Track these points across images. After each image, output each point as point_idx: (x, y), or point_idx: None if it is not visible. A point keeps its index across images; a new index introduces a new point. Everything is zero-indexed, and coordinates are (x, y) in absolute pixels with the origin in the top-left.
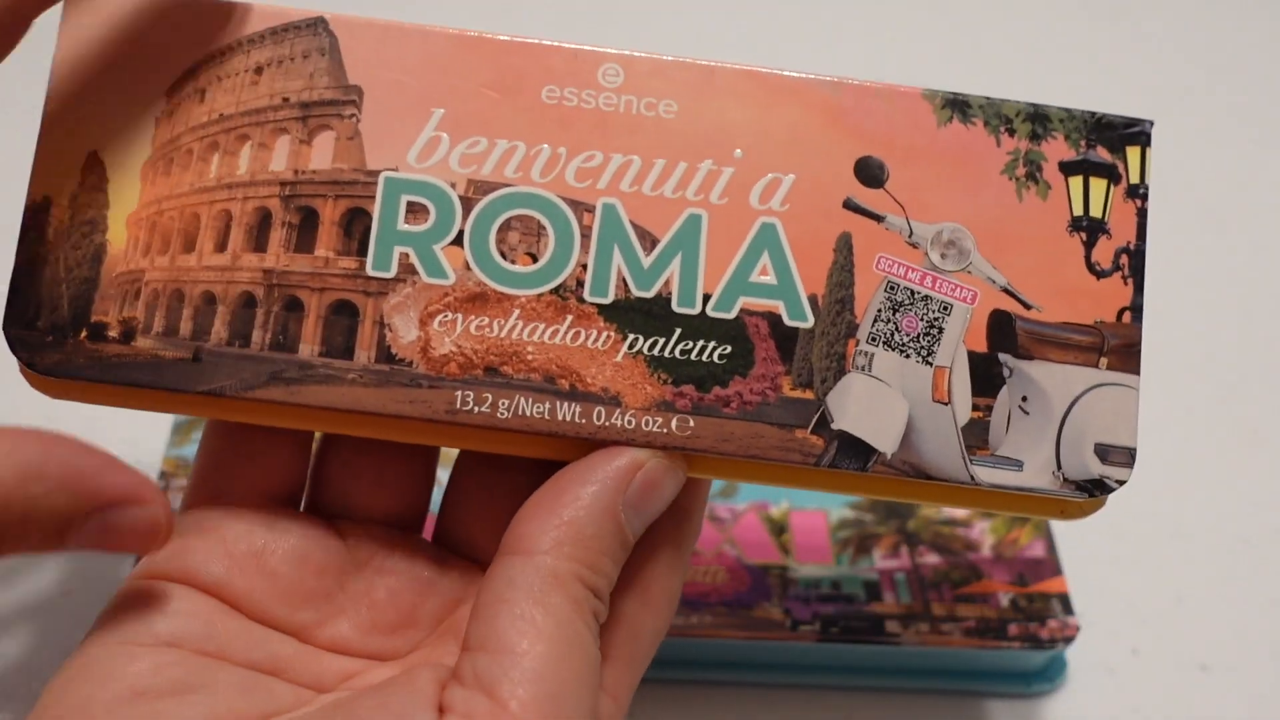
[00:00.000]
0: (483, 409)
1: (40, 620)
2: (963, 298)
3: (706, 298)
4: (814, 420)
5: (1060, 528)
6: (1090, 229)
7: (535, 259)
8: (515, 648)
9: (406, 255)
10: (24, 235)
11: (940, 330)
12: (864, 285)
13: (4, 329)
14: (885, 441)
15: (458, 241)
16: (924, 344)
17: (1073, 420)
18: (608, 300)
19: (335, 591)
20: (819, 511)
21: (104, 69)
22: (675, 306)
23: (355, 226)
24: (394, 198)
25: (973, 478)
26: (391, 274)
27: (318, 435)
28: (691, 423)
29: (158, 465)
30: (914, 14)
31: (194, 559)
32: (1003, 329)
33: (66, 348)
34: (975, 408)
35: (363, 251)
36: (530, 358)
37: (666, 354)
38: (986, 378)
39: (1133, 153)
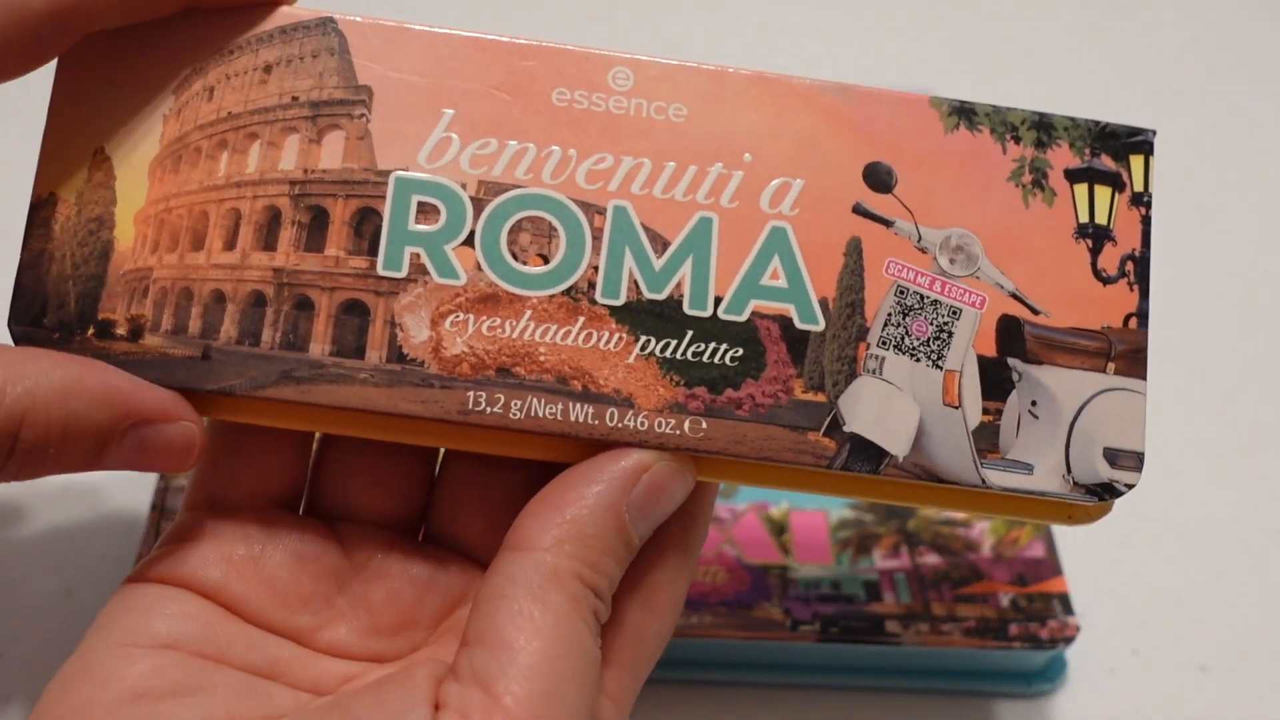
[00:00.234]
0: (495, 409)
1: (40, 620)
2: (972, 303)
3: (718, 300)
4: (826, 423)
5: (1060, 528)
6: (1096, 236)
7: (547, 260)
8: (512, 644)
9: (418, 255)
10: (29, 232)
11: (950, 334)
12: (874, 289)
13: (10, 325)
14: (897, 444)
15: (469, 242)
16: (934, 348)
17: (1081, 424)
18: (619, 302)
19: (333, 595)
20: (819, 511)
21: (110, 65)
22: (687, 309)
23: (366, 226)
24: (405, 198)
25: (984, 481)
26: (403, 274)
27: (317, 437)
28: (704, 424)
29: None
30: (916, 16)
31: (192, 563)
32: (1011, 334)
33: (74, 345)
34: (985, 411)
35: (373, 251)
36: (543, 358)
37: (679, 356)
38: (996, 382)
39: (1136, 161)
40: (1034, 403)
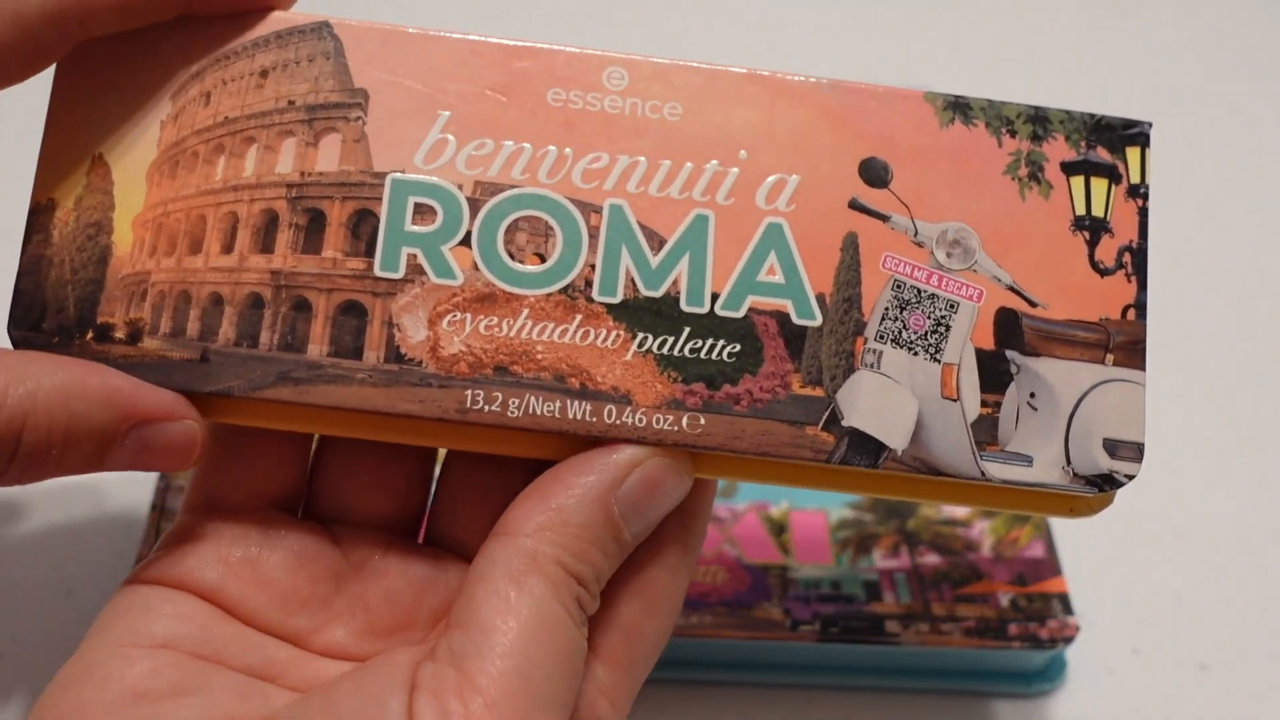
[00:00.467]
0: (493, 408)
1: (40, 620)
2: (969, 296)
3: (715, 297)
4: (824, 417)
5: (1060, 527)
6: (1093, 228)
7: (543, 259)
8: (488, 625)
9: (414, 256)
10: (28, 237)
11: (947, 328)
12: (871, 284)
13: (10, 330)
14: (895, 438)
15: (465, 242)
16: (932, 341)
17: (1081, 416)
18: (616, 300)
19: (331, 597)
20: (819, 511)
21: (108, 71)
22: (684, 305)
23: (363, 228)
24: (401, 199)
25: (983, 473)
26: (400, 275)
27: (315, 439)
28: (702, 420)
29: None
30: (914, 14)
31: (190, 564)
32: (1009, 326)
33: (73, 349)
34: (984, 404)
35: (370, 252)
36: (540, 357)
37: (676, 352)
38: (994, 374)
39: (1132, 153)
40: (1032, 394)
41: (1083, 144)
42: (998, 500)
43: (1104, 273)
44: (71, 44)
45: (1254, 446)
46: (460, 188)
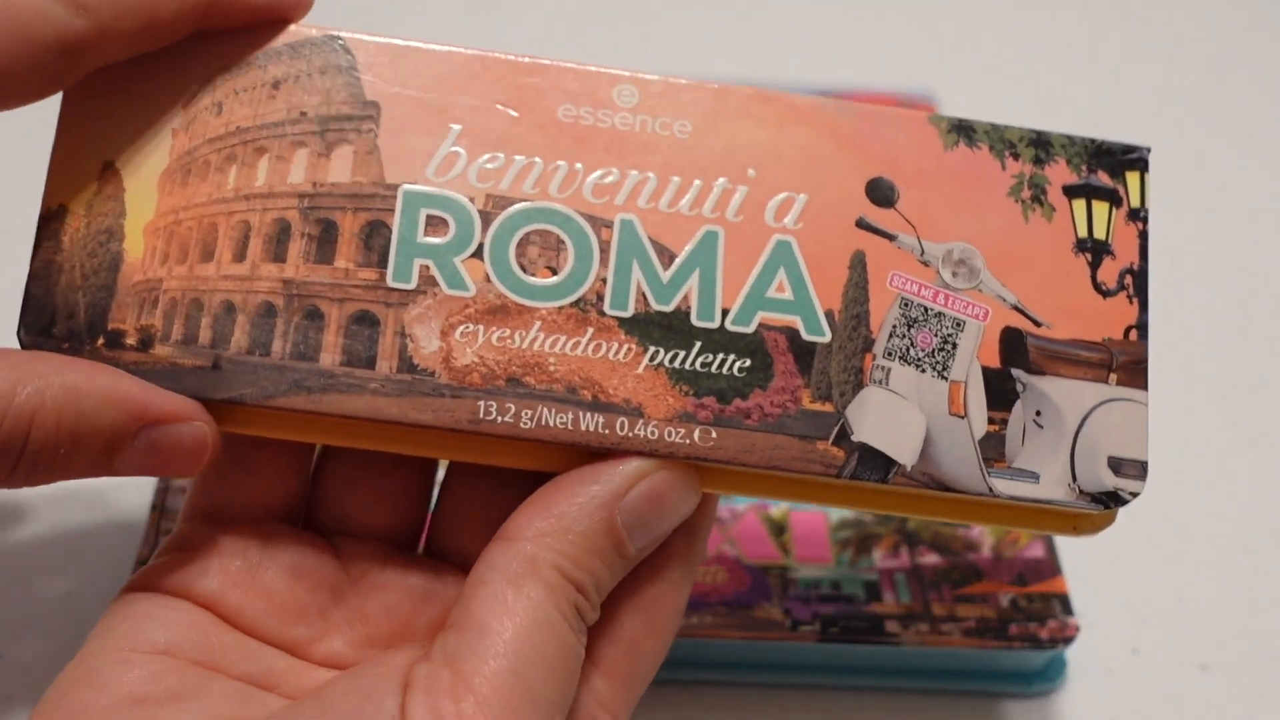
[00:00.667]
0: (506, 419)
1: (40, 620)
2: (975, 314)
3: (725, 312)
4: (834, 432)
5: None
6: (1095, 250)
7: (555, 272)
8: (484, 626)
9: (427, 267)
10: (39, 243)
11: (954, 346)
12: (879, 301)
13: (20, 335)
14: (904, 453)
15: (478, 254)
16: (939, 359)
17: (1086, 434)
18: (628, 313)
19: (329, 607)
20: (819, 511)
21: (120, 78)
22: (695, 320)
23: (375, 239)
24: (414, 210)
25: (991, 489)
26: (412, 285)
27: (317, 450)
28: (714, 434)
29: None
30: (917, 18)
31: (189, 573)
32: (1015, 345)
33: (83, 354)
34: (991, 421)
35: (383, 263)
36: (552, 369)
37: (687, 366)
38: (1001, 392)
39: (1132, 177)
40: (1038, 413)
41: (1084, 168)
42: (1003, 517)
43: (1106, 294)
44: (82, 73)
45: (1254, 447)
46: (472, 200)
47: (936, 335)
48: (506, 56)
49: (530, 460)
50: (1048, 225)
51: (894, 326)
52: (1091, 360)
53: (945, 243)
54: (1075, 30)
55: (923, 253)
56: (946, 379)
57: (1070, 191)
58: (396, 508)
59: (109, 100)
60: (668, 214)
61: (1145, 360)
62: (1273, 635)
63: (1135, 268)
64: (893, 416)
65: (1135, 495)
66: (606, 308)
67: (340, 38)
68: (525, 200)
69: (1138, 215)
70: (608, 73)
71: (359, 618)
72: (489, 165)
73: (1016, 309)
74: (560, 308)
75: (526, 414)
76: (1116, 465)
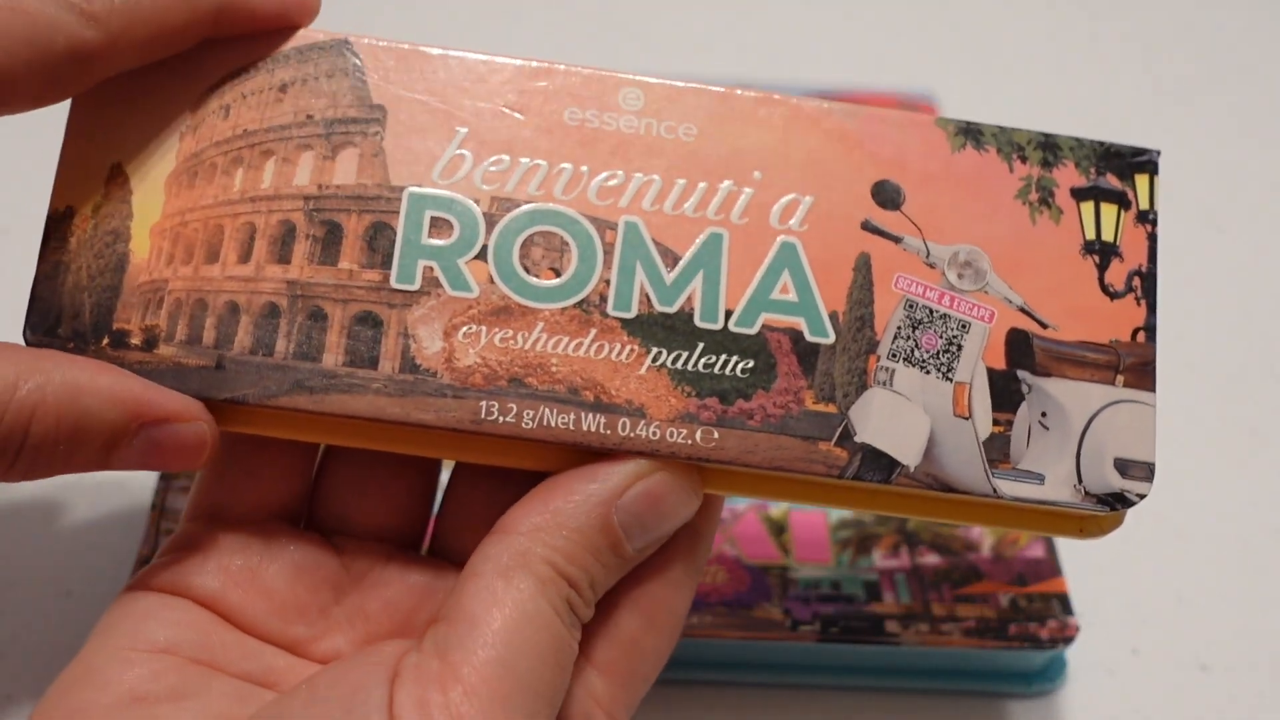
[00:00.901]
0: (508, 419)
1: (40, 620)
2: (980, 316)
3: (729, 314)
4: (837, 433)
5: None
6: (1102, 252)
7: (558, 274)
8: (473, 617)
9: (431, 269)
10: (46, 243)
11: (959, 347)
12: (883, 303)
13: (26, 335)
14: (908, 454)
15: (481, 256)
16: (944, 360)
17: (1092, 435)
18: (631, 315)
19: (330, 606)
20: (819, 511)
21: (128, 82)
22: (698, 321)
23: (379, 240)
24: (418, 212)
25: (995, 490)
26: (416, 287)
27: (320, 449)
28: (716, 434)
29: None
30: (919, 16)
31: (191, 572)
32: (1020, 347)
33: (88, 354)
34: (996, 422)
35: (387, 265)
36: (555, 369)
37: (690, 367)
38: (1006, 393)
39: (1141, 180)
40: (1044, 414)
41: (1092, 170)
42: (1008, 519)
43: (1114, 296)
44: (92, 82)
45: (1254, 447)
46: (477, 202)
47: (941, 337)
48: (512, 61)
49: (532, 460)
50: (1055, 228)
51: (899, 328)
52: (1098, 362)
53: (951, 245)
54: (1076, 30)
55: (928, 255)
56: (951, 380)
57: (1078, 194)
58: (399, 508)
59: (117, 104)
60: (672, 216)
61: (1153, 362)
62: (1273, 635)
63: (1144, 270)
64: (897, 417)
65: (1142, 497)
66: (609, 309)
67: (348, 42)
68: (530, 202)
69: (1146, 217)
70: (613, 76)
71: (360, 616)
72: (494, 168)
73: (1023, 310)
74: (563, 309)
75: (528, 414)
76: (1123, 467)
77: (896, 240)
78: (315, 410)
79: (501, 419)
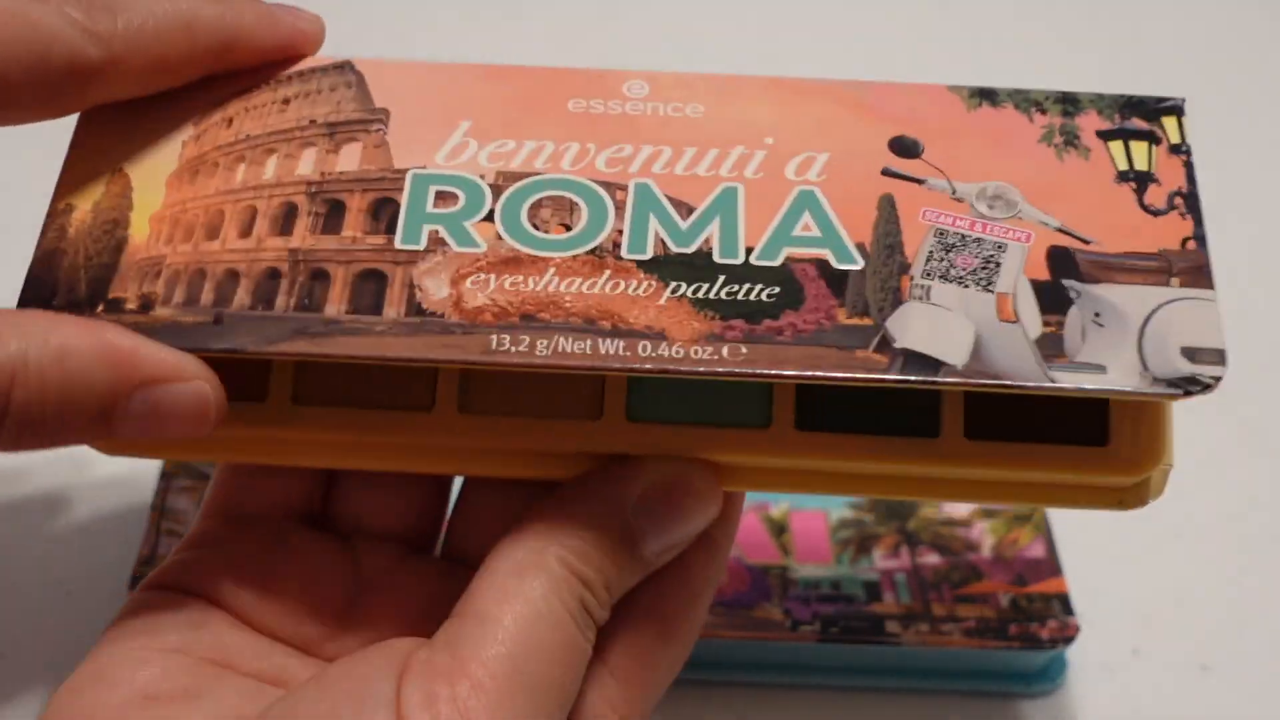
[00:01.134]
0: (519, 349)
1: (40, 620)
2: (1017, 238)
3: (749, 250)
4: (875, 340)
5: (1060, 527)
6: (1139, 179)
7: (569, 229)
8: (484, 614)
9: (436, 231)
10: (44, 234)
11: (998, 264)
12: (911, 234)
13: (19, 307)
14: (954, 355)
15: (489, 218)
16: (982, 275)
17: (1153, 328)
18: (646, 256)
19: (343, 607)
20: (819, 512)
21: (134, 103)
22: (717, 258)
23: (383, 212)
24: (422, 189)
25: (1052, 380)
26: (421, 246)
27: None
28: (744, 349)
29: (159, 464)
30: (913, 15)
31: (203, 572)
32: (1063, 261)
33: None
34: (1046, 324)
35: (391, 230)
36: (569, 304)
37: (712, 296)
38: (1054, 298)
39: (1169, 121)
40: (1097, 314)
41: (1116, 116)
42: (1053, 496)
43: (1155, 214)
44: (90, 103)
45: (1254, 447)
46: (482, 177)
47: (977, 257)
48: (514, 65)
49: (543, 469)
50: (1085, 163)
51: (930, 252)
52: (1149, 268)
53: (978, 182)
54: (1074, 29)
55: (954, 191)
56: (993, 291)
57: (1105, 135)
58: (413, 510)
59: (122, 121)
60: (684, 176)
61: (1208, 265)
62: (1273, 635)
63: (1184, 190)
64: (937, 324)
65: (1217, 380)
66: (624, 253)
67: (350, 63)
68: (537, 174)
69: (1179, 149)
70: (616, 72)
71: (373, 617)
72: (499, 149)
73: (1061, 230)
74: (575, 255)
75: (542, 343)
76: (1191, 354)
77: (920, 182)
78: (316, 354)
79: (513, 349)
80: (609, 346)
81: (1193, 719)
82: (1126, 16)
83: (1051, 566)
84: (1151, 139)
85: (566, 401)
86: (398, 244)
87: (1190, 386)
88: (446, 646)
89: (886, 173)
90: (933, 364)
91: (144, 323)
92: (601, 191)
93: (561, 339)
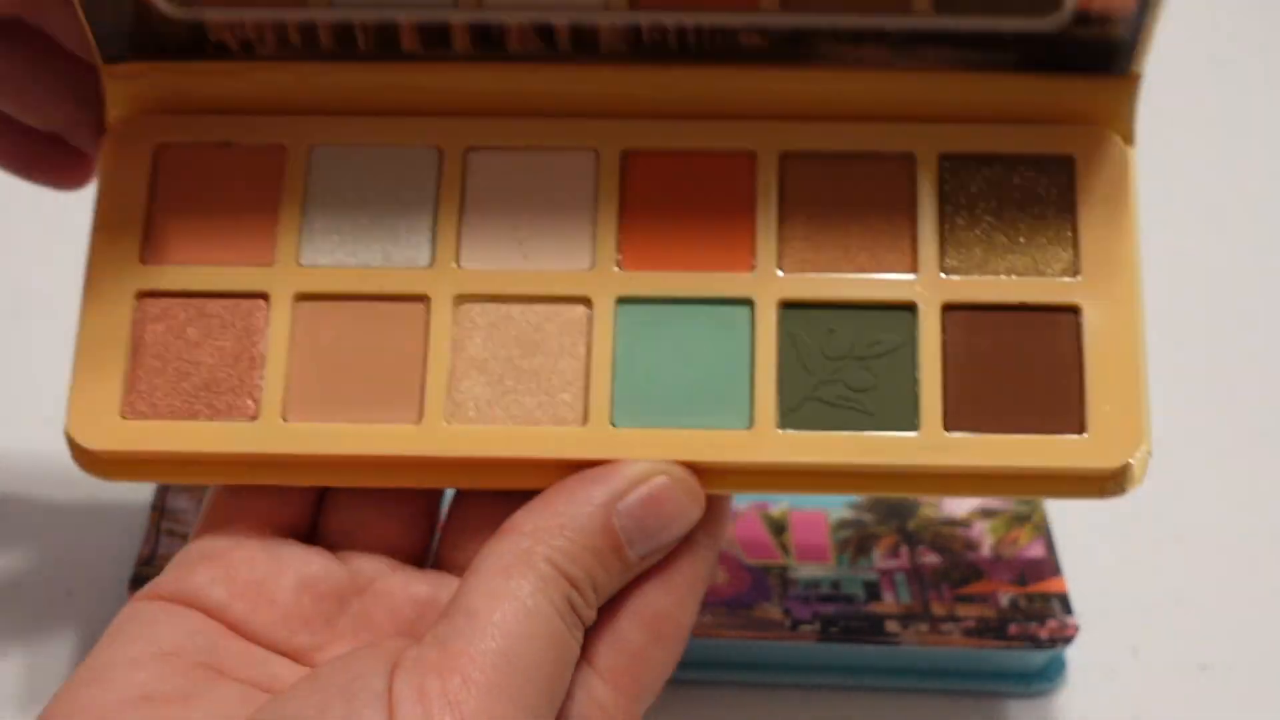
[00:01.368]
0: None
1: (40, 620)
2: None
3: None
4: None
5: (1060, 527)
6: None
7: None
8: (473, 611)
9: None
10: None
11: None
12: None
13: None
14: None
15: None
16: None
17: None
18: None
19: (335, 617)
20: (819, 511)
21: None
22: None
23: None
24: None
25: None
26: None
27: None
28: None
29: None
30: None
31: (196, 583)
32: None
33: None
34: None
35: None
36: None
37: None
38: None
39: None
40: None
41: None
42: (1031, 486)
43: None
44: None
45: (1254, 447)
46: None
47: None
48: None
49: (532, 479)
50: None
51: None
52: None
53: None
54: None
55: None
56: None
57: None
58: (404, 523)
59: None
60: None
61: None
62: (1273, 635)
63: None
64: None
65: None
66: None
67: None
68: None
69: None
70: None
71: (365, 627)
72: None
73: None
74: None
75: None
76: None
77: None
78: None
79: None
80: None
81: (1193, 719)
82: None
83: (1051, 566)
84: None
85: (553, 408)
86: None
87: None
88: (437, 643)
89: None
90: None
91: None
92: None
93: None
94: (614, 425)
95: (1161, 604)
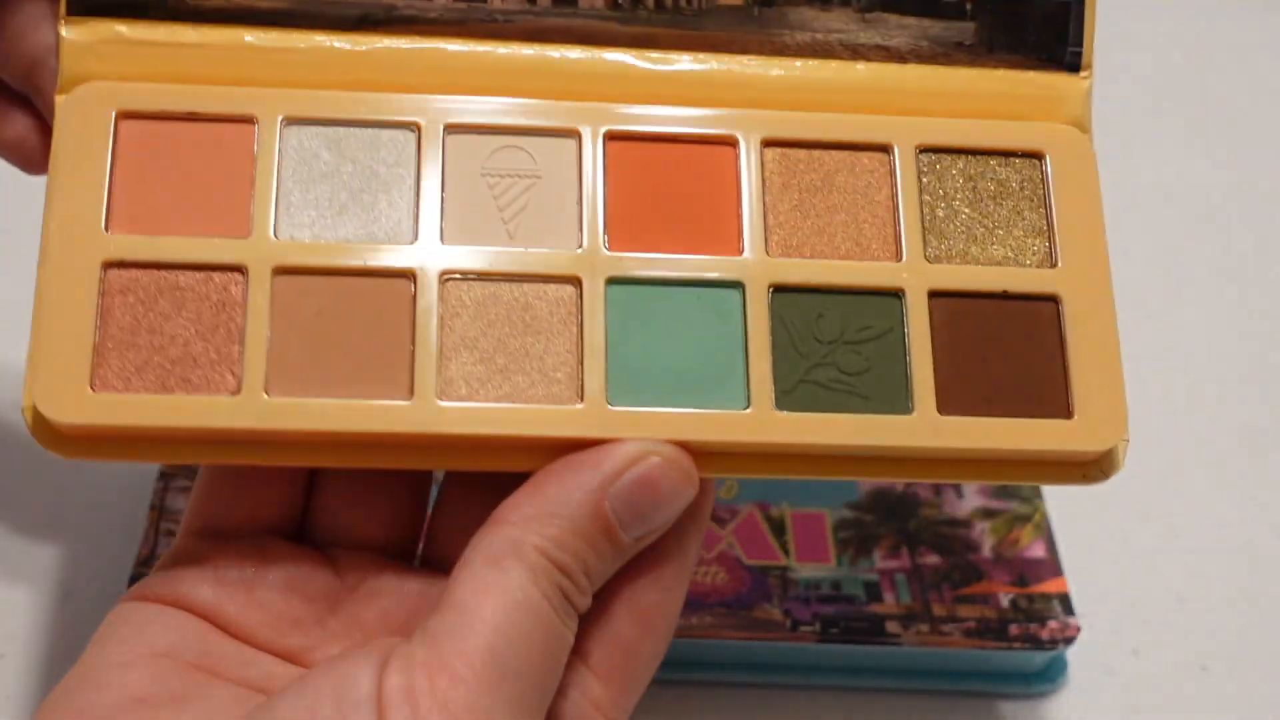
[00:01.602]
0: None
1: (40, 620)
2: None
3: None
4: None
5: (1060, 527)
6: None
7: None
8: (462, 605)
9: None
10: None
11: None
12: None
13: None
14: None
15: None
16: None
17: None
18: None
19: (326, 617)
20: (819, 512)
21: None
22: None
23: None
24: None
25: None
26: None
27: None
28: None
29: (158, 464)
30: None
31: (186, 583)
32: None
33: None
34: None
35: None
36: None
37: None
38: None
39: None
40: None
41: None
42: (1012, 471)
43: None
44: None
45: (1254, 447)
46: None
47: None
48: None
49: (525, 461)
50: None
51: None
52: None
53: None
54: None
55: None
56: None
57: None
58: (392, 520)
59: None
60: None
61: None
62: (1273, 635)
63: None
64: None
65: None
66: None
67: None
68: None
69: None
70: None
71: (355, 626)
72: None
73: None
74: None
75: None
76: None
77: None
78: None
79: None
80: None
81: (1192, 719)
82: None
83: (1052, 567)
84: None
85: (547, 386)
86: None
87: None
88: (426, 639)
89: None
90: None
91: None
92: None
93: None
94: (610, 405)
95: (1162, 604)
